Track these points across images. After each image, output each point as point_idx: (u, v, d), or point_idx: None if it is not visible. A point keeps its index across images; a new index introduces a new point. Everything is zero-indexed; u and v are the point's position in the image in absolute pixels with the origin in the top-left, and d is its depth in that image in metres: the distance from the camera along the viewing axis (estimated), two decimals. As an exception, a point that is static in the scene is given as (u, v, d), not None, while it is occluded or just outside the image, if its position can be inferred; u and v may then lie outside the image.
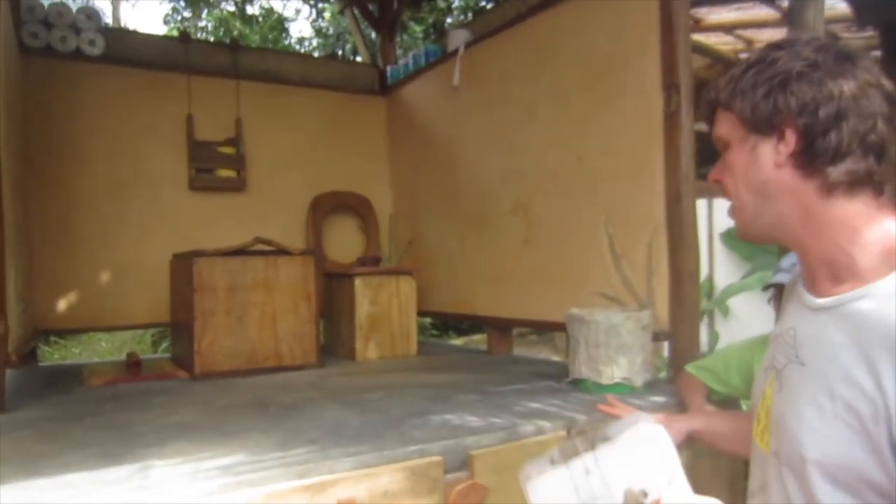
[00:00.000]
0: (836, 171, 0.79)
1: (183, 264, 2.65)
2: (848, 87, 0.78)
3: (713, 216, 4.70)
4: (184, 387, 2.38)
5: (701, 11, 4.75)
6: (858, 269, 0.79)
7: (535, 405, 1.87)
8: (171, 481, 1.27)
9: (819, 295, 0.84)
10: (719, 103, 0.88)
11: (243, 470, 1.34)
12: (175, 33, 9.78)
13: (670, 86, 2.08)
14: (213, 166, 3.43)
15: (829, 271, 0.83)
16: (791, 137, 0.81)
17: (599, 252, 2.37)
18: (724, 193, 0.90)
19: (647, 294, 2.17)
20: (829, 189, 0.80)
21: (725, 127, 0.87)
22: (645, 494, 0.81)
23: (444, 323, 8.17)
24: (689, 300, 2.05)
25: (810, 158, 0.80)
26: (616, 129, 2.31)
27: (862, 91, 0.79)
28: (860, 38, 4.57)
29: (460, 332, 7.79)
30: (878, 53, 4.34)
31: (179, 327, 2.81)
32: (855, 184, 0.80)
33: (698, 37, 4.96)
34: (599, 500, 0.84)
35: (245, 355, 2.58)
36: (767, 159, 0.83)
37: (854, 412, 0.73)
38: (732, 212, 0.90)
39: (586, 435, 0.89)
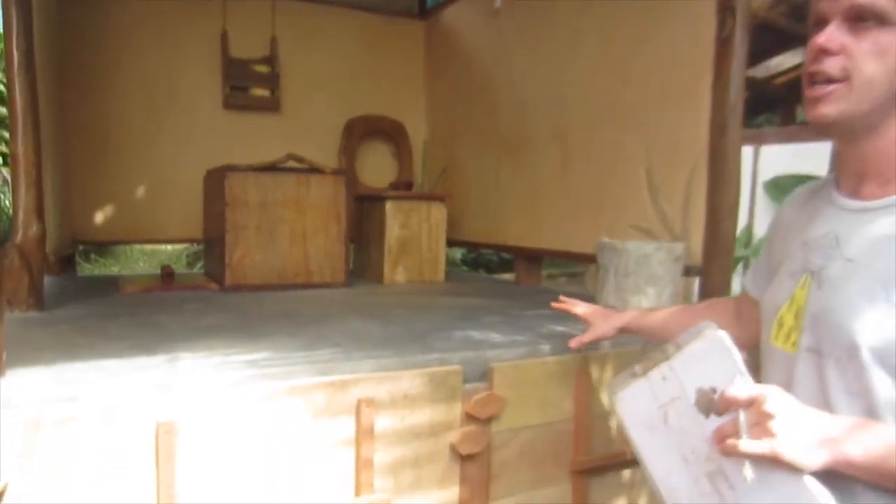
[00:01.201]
0: None
1: (215, 179, 2.67)
2: None
3: (759, 164, 4.55)
4: (215, 297, 2.44)
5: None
6: None
7: (559, 328, 1.87)
8: (199, 370, 1.32)
9: (865, 198, 0.90)
10: None
11: (268, 364, 1.38)
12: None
13: (725, 9, 1.97)
14: (248, 85, 3.41)
15: (882, 176, 0.88)
16: None
17: (636, 183, 2.32)
18: (825, 68, 0.87)
19: (682, 228, 2.13)
20: None
21: (890, 3, 0.83)
22: (714, 391, 0.88)
23: (475, 261, 8.21)
24: (724, 237, 2.01)
25: None
26: (665, 56, 2.22)
27: None
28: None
29: (490, 271, 7.82)
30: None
31: (211, 242, 2.86)
32: None
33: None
34: (676, 403, 0.93)
35: (275, 271, 2.63)
36: None
37: None
38: (839, 91, 0.87)
39: (661, 347, 0.97)
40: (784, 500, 0.80)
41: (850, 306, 0.85)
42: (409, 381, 1.45)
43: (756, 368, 1.03)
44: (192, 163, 3.18)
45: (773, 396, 0.80)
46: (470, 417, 1.52)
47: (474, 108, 3.42)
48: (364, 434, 1.39)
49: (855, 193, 0.92)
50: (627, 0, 2.39)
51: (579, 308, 1.58)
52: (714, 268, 2.03)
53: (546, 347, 1.67)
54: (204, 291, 2.57)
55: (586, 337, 1.54)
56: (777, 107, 7.48)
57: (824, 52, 0.86)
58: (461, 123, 3.58)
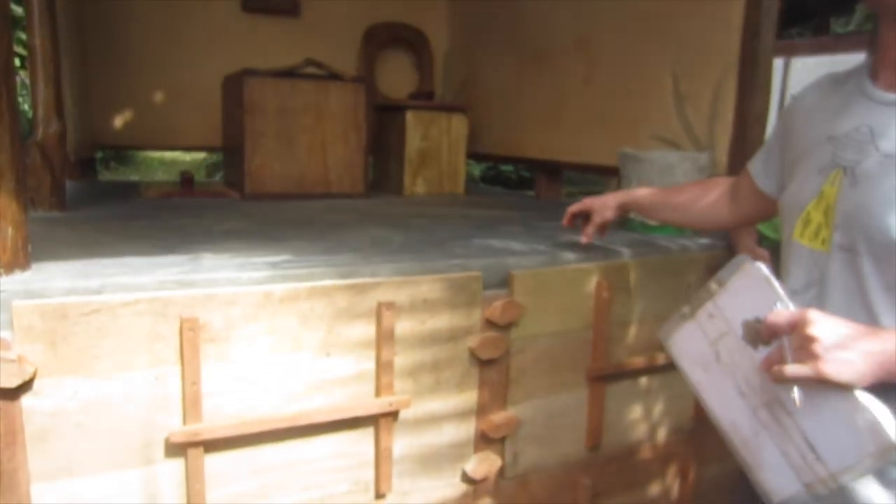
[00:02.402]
0: None
1: (234, 84, 2.62)
2: None
3: (789, 77, 4.39)
4: (234, 204, 2.45)
5: None
6: None
7: (578, 238, 1.86)
8: (221, 269, 1.33)
9: None
10: None
11: (289, 266, 1.38)
12: None
13: None
14: (267, -15, 3.30)
15: None
16: None
17: (662, 93, 2.24)
18: None
19: (707, 138, 2.06)
20: None
21: None
22: (758, 321, 0.90)
23: (494, 178, 8.14)
24: (752, 145, 1.95)
25: None
26: (697, -44, 2.10)
27: None
28: None
29: (509, 188, 7.77)
30: None
31: (230, 150, 2.84)
32: None
33: None
34: (725, 338, 0.95)
35: (294, 179, 2.61)
36: None
37: None
38: None
39: (705, 286, 0.99)
40: (839, 418, 0.82)
41: (888, 203, 0.84)
42: (430, 285, 1.45)
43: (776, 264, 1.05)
44: (210, 67, 3.11)
45: (813, 319, 0.81)
46: (489, 323, 1.54)
47: (497, 16, 3.28)
48: (384, 337, 1.41)
49: (892, 86, 0.90)
50: None
51: (575, 206, 1.65)
52: (741, 180, 1.98)
53: (566, 255, 1.66)
54: (224, 199, 2.57)
55: (590, 227, 1.61)
56: (811, 18, 7.11)
57: None
58: (483, 33, 3.45)
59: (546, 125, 2.94)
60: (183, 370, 1.22)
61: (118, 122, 3.15)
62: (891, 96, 0.90)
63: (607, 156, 2.37)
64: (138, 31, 3.12)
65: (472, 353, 1.53)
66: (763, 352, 0.89)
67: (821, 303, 0.94)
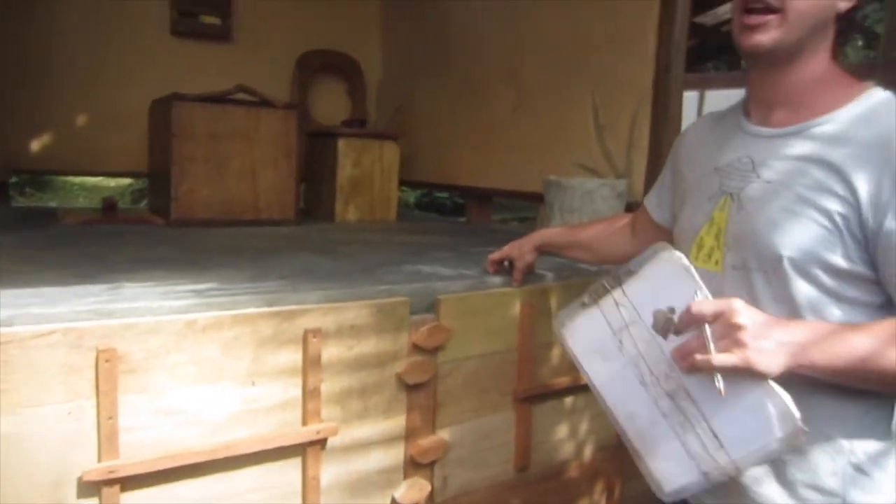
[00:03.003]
0: (845, 37, 0.97)
1: (162, 109, 2.59)
2: None
3: (703, 109, 4.64)
4: (160, 231, 2.40)
5: None
6: (818, 105, 0.94)
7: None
8: (142, 298, 1.30)
9: (775, 125, 0.98)
10: None
11: (214, 294, 1.37)
12: None
13: (672, -50, 1.98)
14: (197, 10, 3.27)
15: (791, 105, 0.97)
16: None
17: (584, 123, 2.34)
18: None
19: (625, 166, 2.17)
20: (835, 46, 0.96)
21: None
22: (672, 311, 0.87)
23: (429, 205, 8.21)
24: (667, 173, 2.06)
25: (849, 20, 0.96)
26: (614, -4, 2.22)
27: None
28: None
29: (443, 215, 7.84)
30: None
31: (157, 176, 2.79)
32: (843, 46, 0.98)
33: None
34: (631, 327, 0.92)
35: (223, 205, 2.58)
36: (835, 2, 0.93)
37: (826, 213, 0.88)
38: (776, 22, 0.93)
39: (613, 274, 0.95)
40: (750, 405, 0.85)
41: (773, 223, 0.92)
42: (357, 311, 1.46)
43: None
44: (137, 92, 3.06)
45: (740, 309, 0.83)
46: (416, 348, 1.56)
47: (430, 47, 3.37)
48: (311, 364, 1.41)
49: (765, 121, 1.01)
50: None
51: (496, 254, 1.70)
52: (657, 206, 2.08)
53: (493, 280, 1.70)
54: (148, 225, 2.52)
55: (517, 273, 1.67)
56: (724, 54, 7.56)
57: None
58: (416, 63, 3.52)
59: (477, 153, 3.02)
60: (99, 404, 1.19)
61: (35, 145, 3.04)
62: (764, 130, 1.00)
63: (535, 183, 2.45)
64: (61, 51, 3.04)
65: (400, 378, 1.54)
66: (673, 341, 0.88)
67: None
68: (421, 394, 1.59)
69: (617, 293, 0.94)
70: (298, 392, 1.41)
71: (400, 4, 3.67)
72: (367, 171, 2.99)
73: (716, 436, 0.87)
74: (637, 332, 0.92)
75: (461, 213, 6.01)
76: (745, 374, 0.83)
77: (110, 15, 3.12)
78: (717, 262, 1.02)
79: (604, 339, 0.95)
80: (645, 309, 0.91)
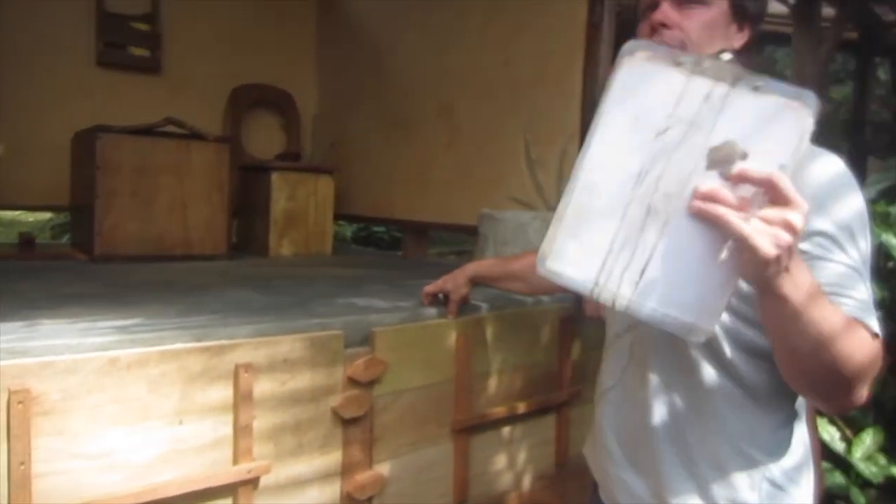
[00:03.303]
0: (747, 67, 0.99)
1: (86, 141, 2.51)
2: None
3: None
4: (82, 267, 2.30)
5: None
6: None
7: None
8: (60, 335, 1.24)
9: None
10: None
11: (139, 330, 1.32)
12: None
13: (595, -3, 2.10)
14: (125, 42, 3.21)
15: None
16: (746, 33, 1.02)
17: (517, 157, 2.41)
18: (665, 39, 0.98)
19: (556, 200, 2.23)
20: None
21: None
22: (744, 156, 0.70)
23: (366, 239, 8.17)
24: (596, 206, 2.13)
25: (744, 53, 1.01)
26: (543, 36, 2.33)
27: None
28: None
29: (381, 248, 7.81)
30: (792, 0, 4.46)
31: (80, 210, 2.69)
32: None
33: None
34: (692, 128, 0.73)
35: (151, 241, 2.51)
36: (730, 39, 1.00)
37: None
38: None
39: (732, 69, 0.73)
40: (697, 281, 0.74)
41: None
42: (290, 345, 1.44)
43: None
44: (59, 123, 2.95)
45: (805, 214, 0.69)
46: (352, 381, 1.54)
47: (365, 82, 3.40)
48: (242, 400, 1.37)
49: None
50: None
51: (431, 286, 1.72)
52: (587, 238, 2.15)
53: (428, 311, 1.71)
54: (70, 261, 2.42)
55: (452, 305, 1.69)
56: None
57: (664, 26, 0.98)
58: (351, 98, 3.55)
59: (412, 187, 3.05)
60: (10, 449, 1.12)
61: (-53, 178, 2.89)
62: None
63: (470, 216, 2.49)
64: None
65: (335, 413, 1.51)
66: (709, 175, 0.72)
67: (641, 342, 1.05)
68: (357, 428, 1.56)
69: (720, 88, 0.72)
70: (229, 430, 1.36)
71: (335, 40, 3.71)
72: (301, 204, 2.97)
73: (642, 273, 0.75)
74: (691, 138, 0.73)
75: (399, 248, 6.02)
76: (736, 255, 0.71)
77: (32, 44, 3.02)
78: None
79: (654, 109, 0.75)
80: (725, 129, 0.72)
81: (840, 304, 0.83)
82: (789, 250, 0.69)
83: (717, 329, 0.94)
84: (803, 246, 0.85)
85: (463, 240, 7.66)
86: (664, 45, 0.92)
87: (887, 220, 2.92)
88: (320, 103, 3.84)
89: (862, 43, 5.37)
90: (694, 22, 0.97)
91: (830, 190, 0.89)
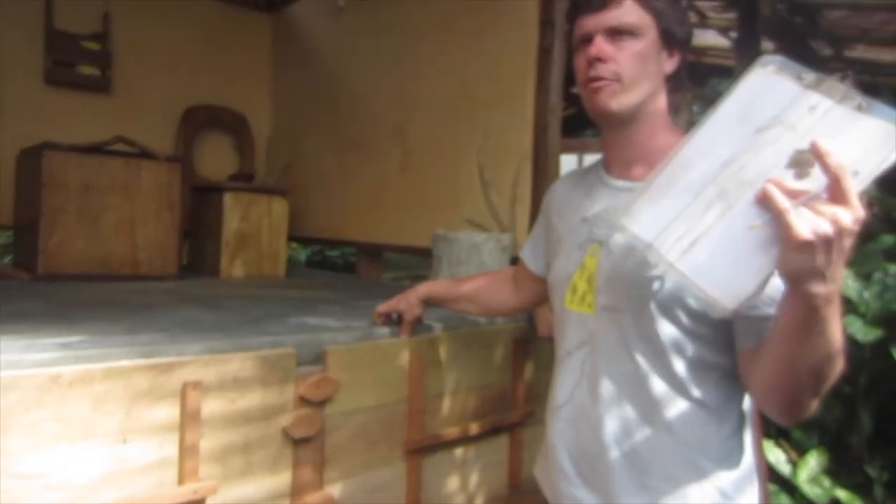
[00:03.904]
0: (680, 92, 1.10)
1: (31, 159, 2.45)
2: None
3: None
4: (24, 286, 2.23)
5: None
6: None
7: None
8: (1, 352, 1.20)
9: (635, 179, 1.09)
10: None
11: (83, 347, 1.29)
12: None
13: (546, 22, 2.17)
14: (74, 60, 3.15)
15: (646, 160, 1.08)
16: (677, 58, 1.08)
17: (471, 179, 2.44)
18: (600, 73, 1.05)
19: (509, 220, 2.27)
20: (670, 104, 1.10)
21: (635, 19, 1.05)
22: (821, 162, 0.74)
23: (320, 263, 8.11)
24: (547, 228, 2.18)
25: (676, 77, 1.09)
26: (496, 59, 2.38)
27: None
28: (724, 18, 4.90)
29: (335, 272, 7.76)
30: (733, 34, 4.70)
31: (23, 228, 2.61)
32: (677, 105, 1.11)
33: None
34: (788, 131, 0.79)
35: (97, 260, 2.45)
36: (661, 65, 1.07)
37: None
38: (615, 88, 1.05)
39: (844, 90, 0.79)
40: (736, 259, 0.78)
41: (639, 267, 1.00)
42: (240, 363, 1.42)
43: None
44: (4, 141, 2.87)
45: (857, 219, 0.71)
46: (303, 401, 1.52)
47: (319, 104, 3.42)
48: (190, 419, 1.34)
49: (626, 175, 1.11)
50: (464, 7, 2.53)
51: (383, 306, 1.72)
52: (539, 258, 2.19)
53: (381, 330, 1.71)
54: (11, 280, 2.34)
55: (406, 326, 1.69)
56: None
57: (598, 60, 1.04)
58: (306, 119, 3.55)
59: (366, 209, 3.06)
60: (-57, 468, 1.08)
61: None
62: (626, 184, 1.10)
63: (424, 237, 2.51)
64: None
65: (286, 433, 1.49)
66: (786, 173, 0.76)
67: (593, 357, 1.07)
68: (308, 448, 1.54)
69: (826, 104, 0.78)
70: (175, 449, 1.33)
71: (290, 62, 3.72)
72: (254, 225, 2.94)
73: (694, 243, 0.81)
74: (784, 138, 0.79)
75: (354, 272, 5.98)
76: (780, 247, 0.74)
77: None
78: (589, 305, 1.09)
79: (764, 109, 0.82)
80: (818, 136, 0.76)
81: (757, 328, 0.91)
82: (828, 246, 0.69)
83: (665, 342, 0.99)
84: None
85: (419, 264, 7.68)
86: (597, 78, 1.04)
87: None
88: (274, 125, 3.84)
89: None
90: (626, 53, 1.04)
91: None
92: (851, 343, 2.82)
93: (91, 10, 3.21)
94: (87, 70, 3.20)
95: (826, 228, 0.69)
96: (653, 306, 0.99)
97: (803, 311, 0.75)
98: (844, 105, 0.77)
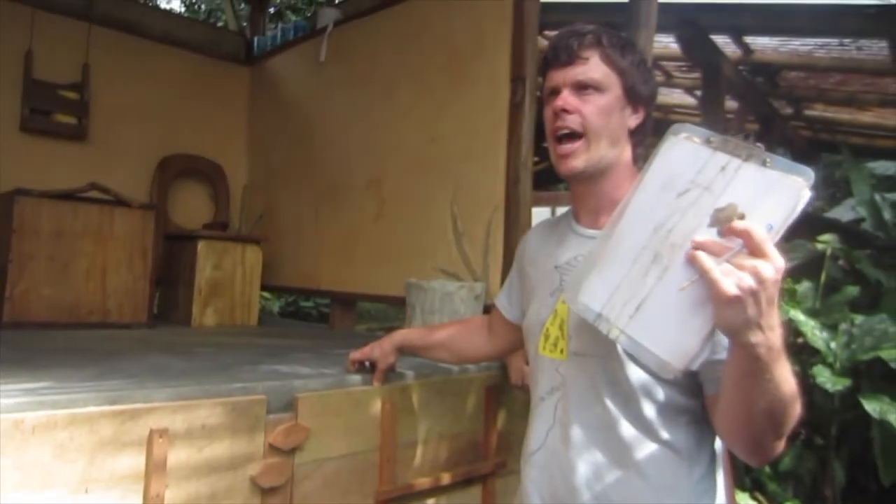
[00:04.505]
0: (642, 146, 1.15)
1: (3, 204, 2.43)
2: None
3: (556, 224, 5.04)
4: (-11, 333, 2.19)
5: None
6: None
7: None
8: (-38, 397, 1.18)
9: (601, 228, 1.09)
10: (606, 56, 1.10)
11: (48, 392, 1.27)
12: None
13: (517, 78, 2.25)
14: (52, 109, 3.16)
15: (614, 208, 1.05)
16: (641, 114, 1.13)
17: (444, 229, 2.48)
18: (568, 123, 1.10)
19: (482, 270, 2.30)
20: (634, 157, 1.14)
21: (600, 75, 1.10)
22: (742, 217, 0.82)
23: (294, 314, 8.03)
24: (520, 277, 2.21)
25: (640, 132, 1.14)
26: (468, 114, 2.45)
27: None
28: (689, 77, 5.11)
29: (309, 322, 7.69)
30: (698, 92, 4.90)
31: (-9, 275, 2.57)
32: (641, 157, 1.13)
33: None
34: (706, 192, 0.86)
35: (66, 307, 2.41)
36: (625, 120, 1.11)
37: None
38: (581, 148, 1.10)
39: (749, 148, 0.87)
40: (676, 324, 0.85)
41: None
42: (209, 410, 1.40)
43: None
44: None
45: (777, 269, 0.76)
46: (273, 449, 1.50)
47: (295, 155, 3.46)
48: (155, 467, 1.31)
49: (595, 224, 1.15)
50: (437, 64, 2.62)
51: (357, 353, 1.71)
52: (511, 307, 2.21)
53: (353, 378, 1.70)
54: (-25, 329, 2.29)
55: (379, 373, 1.68)
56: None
57: (565, 111, 1.09)
58: (281, 170, 3.59)
59: (341, 258, 3.07)
60: None
61: None
62: (594, 232, 1.13)
63: (397, 287, 2.52)
64: None
65: (254, 482, 1.46)
66: (709, 232, 0.84)
67: (564, 403, 1.09)
68: (276, 498, 1.51)
69: (734, 162, 0.86)
70: (139, 499, 1.30)
71: (266, 113, 3.78)
72: (227, 273, 2.93)
73: (639, 308, 0.88)
74: (703, 200, 0.86)
75: (328, 322, 5.94)
76: (712, 304, 0.80)
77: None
78: (561, 351, 1.11)
79: (682, 175, 0.89)
80: (731, 194, 0.84)
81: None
82: (755, 298, 0.75)
83: (634, 386, 1.00)
84: None
85: (393, 315, 7.65)
86: (563, 128, 1.10)
87: (794, 297, 3.14)
88: (250, 174, 3.86)
89: (763, 133, 5.87)
90: (591, 107, 1.09)
91: None
92: (821, 393, 2.87)
93: (70, 60, 3.25)
94: (64, 118, 3.21)
95: (749, 282, 0.75)
96: (620, 351, 1.00)
97: (747, 360, 0.80)
98: (751, 162, 0.85)
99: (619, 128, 1.11)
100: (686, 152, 0.91)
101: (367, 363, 1.73)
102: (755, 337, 0.77)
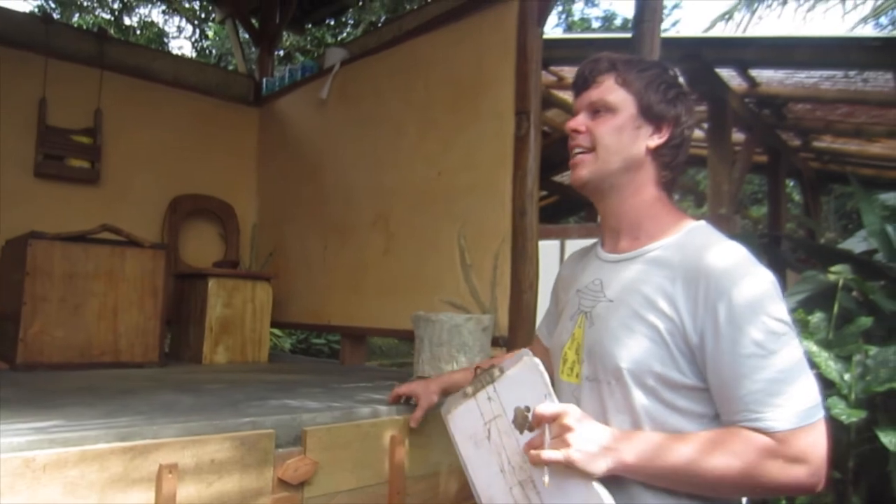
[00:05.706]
0: (669, 170, 1.12)
1: (17, 248, 2.48)
2: (692, 119, 1.15)
3: (564, 255, 5.05)
4: (2, 375, 2.21)
5: (564, 70, 5.15)
6: (653, 232, 1.10)
7: (376, 395, 1.92)
8: (-26, 436, 1.19)
9: (620, 251, 1.13)
10: (620, 79, 1.12)
11: (59, 430, 1.28)
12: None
13: (521, 112, 2.29)
14: (65, 154, 3.24)
15: (632, 232, 1.12)
16: (665, 133, 1.11)
17: (452, 263, 2.50)
18: (579, 142, 1.12)
19: (490, 302, 2.31)
20: (660, 179, 1.12)
21: (616, 97, 1.11)
22: (528, 409, 1.02)
23: (305, 351, 8.03)
24: (526, 308, 2.22)
25: (666, 154, 1.11)
26: (474, 148, 2.49)
27: (692, 126, 1.16)
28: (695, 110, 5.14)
29: (320, 358, 7.67)
30: (705, 125, 4.93)
31: (5, 317, 2.60)
32: (669, 183, 1.14)
33: (560, 93, 5.38)
34: (498, 418, 1.06)
35: (78, 348, 2.43)
36: (643, 141, 1.10)
37: (654, 328, 1.00)
38: (589, 159, 1.12)
39: (489, 371, 1.09)
40: (577, 500, 0.96)
41: (614, 337, 1.03)
42: (218, 444, 1.41)
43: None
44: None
45: (570, 413, 0.96)
46: (282, 483, 1.50)
47: (303, 193, 3.51)
48: (165, 503, 1.32)
49: (614, 248, 1.16)
50: (442, 100, 2.67)
51: (402, 388, 1.73)
52: (518, 337, 2.22)
53: (361, 411, 1.70)
54: (-11, 370, 2.31)
55: (419, 412, 1.68)
56: (583, 209, 8.43)
57: (576, 132, 1.13)
58: (290, 207, 3.64)
59: (350, 294, 3.09)
60: None
61: None
62: (612, 255, 1.14)
63: (406, 321, 2.52)
64: None
65: (264, 517, 1.46)
66: (528, 436, 1.01)
67: None
68: (286, 534, 1.51)
69: (490, 388, 1.08)
70: (148, 537, 1.30)
71: (275, 151, 3.84)
72: (238, 311, 2.95)
73: None
74: (502, 425, 1.06)
75: (338, 358, 5.92)
76: (575, 472, 0.95)
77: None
78: (577, 375, 1.11)
79: (477, 428, 1.09)
80: (509, 405, 1.05)
81: (727, 408, 0.96)
82: (581, 440, 0.94)
83: (641, 413, 1.00)
84: (697, 341, 0.97)
85: (405, 352, 7.63)
86: (575, 147, 1.13)
87: (807, 327, 3.10)
88: (260, 212, 3.91)
89: (771, 165, 5.88)
90: (603, 127, 1.11)
91: (726, 275, 0.98)
92: (836, 425, 2.81)
93: (83, 106, 3.33)
94: (77, 162, 3.28)
95: (570, 438, 0.95)
96: (626, 376, 1.01)
97: (631, 474, 0.97)
98: (498, 380, 1.08)
99: (631, 145, 1.10)
100: (464, 413, 1.13)
101: (410, 400, 1.73)
102: (624, 459, 0.96)
